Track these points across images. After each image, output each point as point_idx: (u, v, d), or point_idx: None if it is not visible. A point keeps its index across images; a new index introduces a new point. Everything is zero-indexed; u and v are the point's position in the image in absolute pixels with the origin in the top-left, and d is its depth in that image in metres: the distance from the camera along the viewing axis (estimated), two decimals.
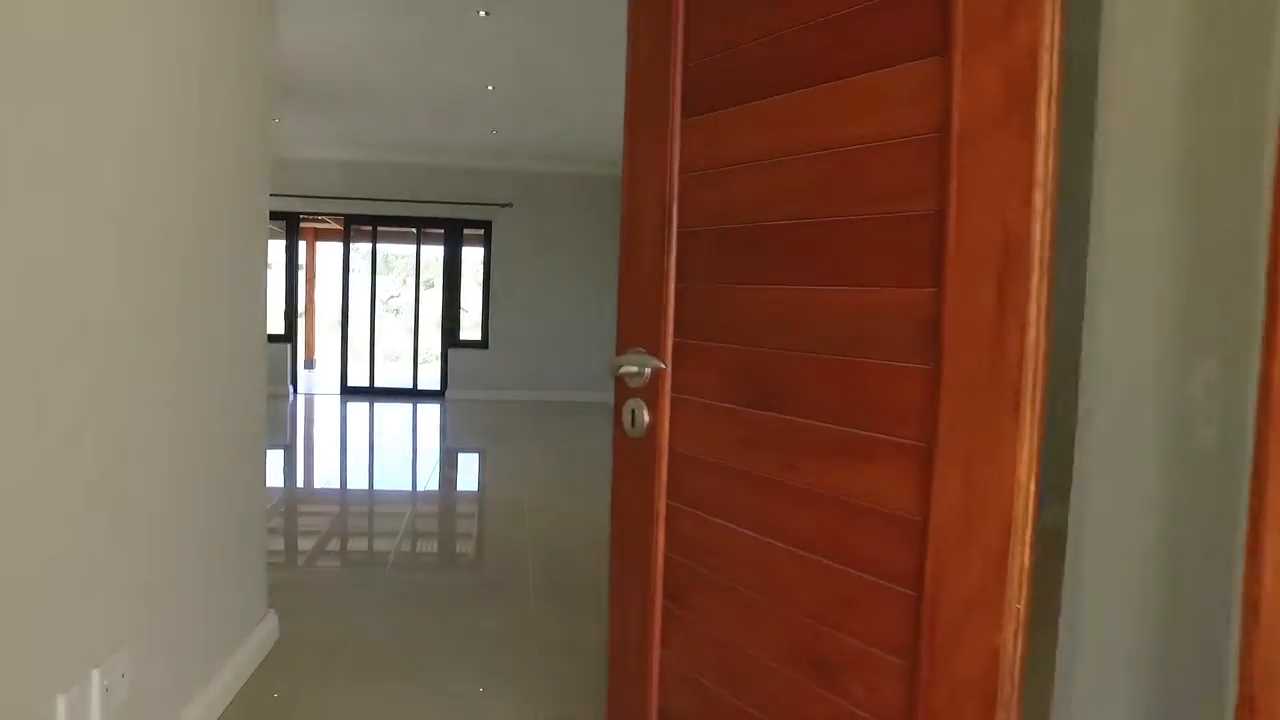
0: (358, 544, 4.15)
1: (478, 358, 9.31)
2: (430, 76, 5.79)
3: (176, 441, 2.01)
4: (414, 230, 9.44)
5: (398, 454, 6.73)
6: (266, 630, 2.71)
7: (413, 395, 9.41)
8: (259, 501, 2.75)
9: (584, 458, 6.37)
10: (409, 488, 5.43)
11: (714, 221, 1.42)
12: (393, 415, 8.56)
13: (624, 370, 1.54)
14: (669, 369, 1.47)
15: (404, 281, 9.07)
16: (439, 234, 9.43)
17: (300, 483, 5.48)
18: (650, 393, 1.51)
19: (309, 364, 12.73)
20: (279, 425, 7.80)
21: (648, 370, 1.50)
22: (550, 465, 6.11)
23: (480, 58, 5.34)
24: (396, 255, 13.37)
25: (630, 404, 1.54)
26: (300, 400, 9.01)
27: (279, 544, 4.00)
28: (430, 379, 9.55)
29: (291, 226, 9.14)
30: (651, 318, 1.51)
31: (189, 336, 2.09)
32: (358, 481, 5.66)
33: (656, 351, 1.49)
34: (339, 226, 9.43)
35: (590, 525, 4.32)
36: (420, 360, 9.51)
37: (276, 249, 9.43)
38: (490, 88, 6.04)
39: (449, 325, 9.41)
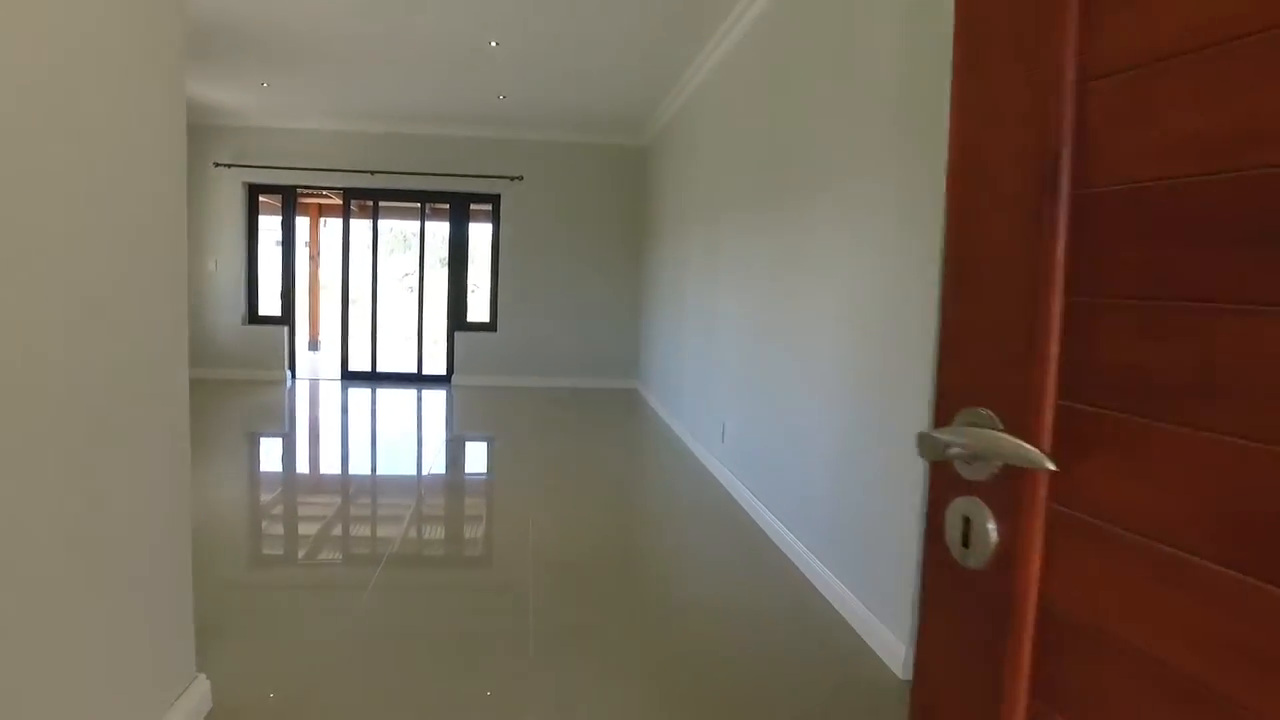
0: (339, 558, 3.61)
1: (486, 341, 8.74)
2: (420, 29, 5.16)
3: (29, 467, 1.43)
4: (418, 205, 8.84)
5: (394, 449, 6.18)
6: (192, 702, 2.15)
7: (417, 380, 8.87)
8: (181, 544, 2.18)
9: (596, 453, 5.80)
10: (405, 494, 4.88)
11: (1174, 169, 0.64)
12: (394, 403, 8.01)
13: (953, 450, 0.82)
14: (1046, 456, 0.73)
15: (435, 253, 8.54)
16: (444, 209, 8.83)
17: (283, 482, 4.96)
18: (1004, 494, 0.78)
19: (313, 345, 12.24)
20: (271, 414, 7.27)
21: (998, 459, 0.78)
22: (561, 462, 5.55)
23: (480, 7, 4.71)
24: (412, 231, 12.81)
25: (961, 506, 0.83)
26: (299, 386, 8.48)
27: (247, 554, 3.46)
28: (436, 363, 9.00)
29: (288, 200, 8.57)
30: (1009, 359, 0.78)
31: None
32: (348, 481, 5.13)
33: (1020, 420, 0.76)
34: (340, 201, 8.86)
35: (602, 540, 3.84)
36: (425, 343, 8.95)
37: (272, 225, 8.87)
38: (494, 43, 5.41)
39: (455, 307, 8.83)
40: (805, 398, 3.55)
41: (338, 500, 4.62)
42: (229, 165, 8.17)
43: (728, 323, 4.98)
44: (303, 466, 5.72)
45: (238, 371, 8.44)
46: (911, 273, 2.63)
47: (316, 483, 5.16)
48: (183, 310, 2.18)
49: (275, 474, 5.35)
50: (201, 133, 8.17)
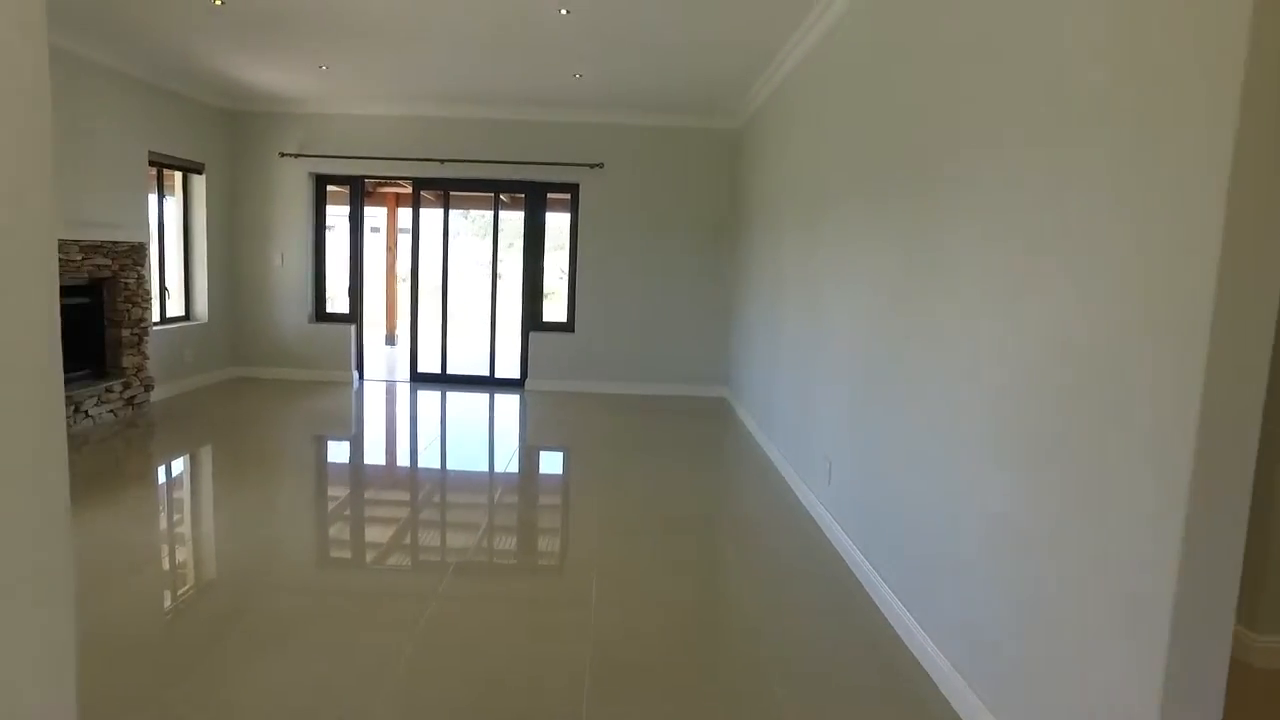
0: (369, 622, 2.97)
1: (562, 343, 8.05)
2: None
3: None
4: (491, 195, 8.21)
5: (459, 463, 5.56)
6: None
7: (489, 384, 8.27)
8: (56, 605, 1.49)
9: (677, 478, 5.01)
10: (465, 522, 4.21)
11: None
12: (462, 410, 7.43)
13: None
14: None
15: (510, 246, 7.91)
16: (520, 199, 8.16)
17: (338, 493, 4.37)
18: None
19: (390, 340, 11.89)
20: (333, 419, 6.78)
21: None
22: (638, 488, 4.79)
23: None
24: (490, 221, 12.29)
25: None
26: (366, 389, 8.01)
27: (305, 561, 2.81)
28: (509, 366, 8.38)
29: (355, 191, 8.07)
30: None
31: None
32: (411, 496, 4.52)
33: None
34: (431, 194, 8.31)
35: (674, 600, 2.94)
36: (498, 344, 8.34)
37: (340, 216, 8.40)
38: (564, 11, 4.63)
39: (530, 306, 8.18)
40: (945, 453, 2.66)
41: (396, 516, 3.99)
42: (295, 155, 7.71)
43: (836, 339, 4.09)
44: (360, 478, 5.16)
45: (304, 372, 8.02)
46: (1148, 308, 1.72)
47: (370, 496, 4.57)
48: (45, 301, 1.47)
49: (333, 483, 4.79)
50: (265, 120, 7.73)
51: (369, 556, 3.85)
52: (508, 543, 4.05)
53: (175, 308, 7.39)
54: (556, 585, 3.50)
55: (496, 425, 6.91)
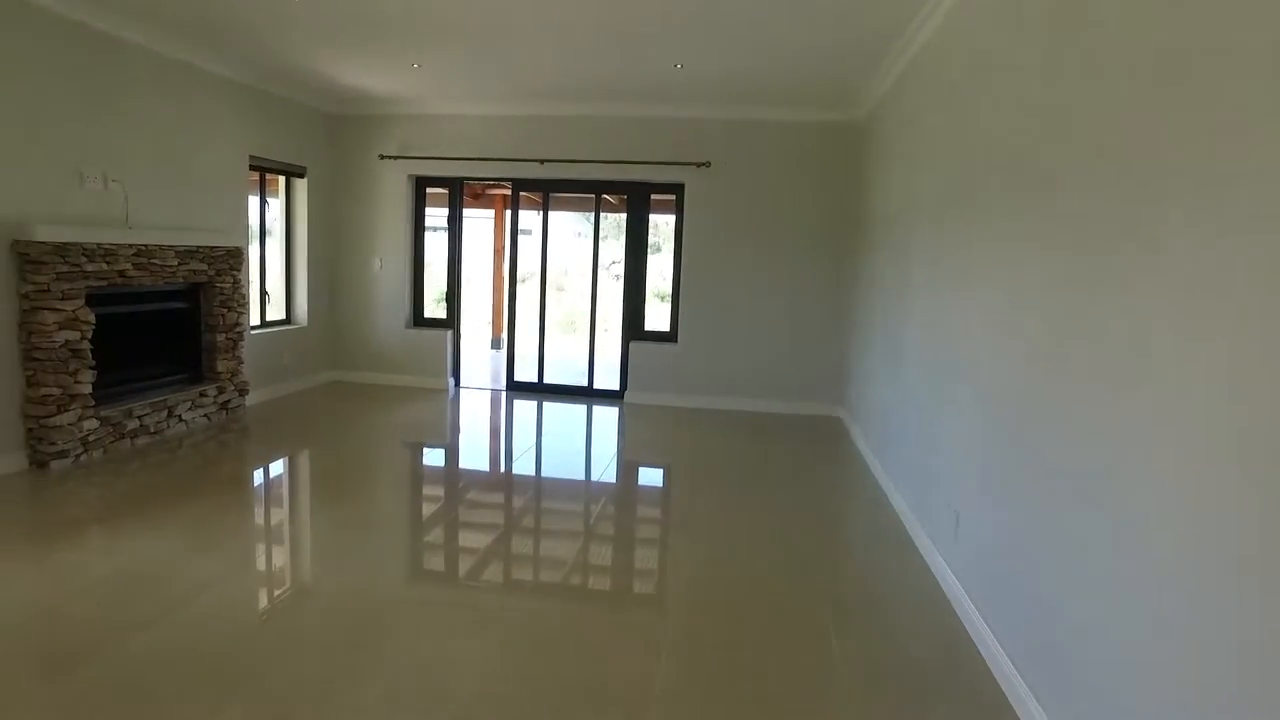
0: (449, 637, 2.57)
1: (664, 354, 7.55)
2: None
3: None
4: (591, 197, 7.80)
5: (543, 484, 5.15)
6: None
7: (586, 395, 7.86)
8: None
9: (780, 513, 4.39)
10: (525, 570, 3.77)
11: None
12: (559, 422, 7.05)
13: None
14: None
15: (611, 251, 7.56)
16: (622, 201, 7.72)
17: (412, 521, 4.03)
18: None
19: (496, 344, 11.73)
20: (423, 427, 6.53)
21: None
22: (735, 520, 4.22)
23: None
24: (616, 221, 11.96)
25: None
26: (462, 397, 7.76)
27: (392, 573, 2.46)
28: (608, 376, 7.94)
29: (454, 193, 7.84)
30: None
31: None
32: (499, 514, 4.13)
33: None
34: (531, 195, 8.02)
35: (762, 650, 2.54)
36: (597, 353, 7.92)
37: (438, 219, 8.20)
38: None
39: (631, 313, 7.71)
40: (1124, 527, 1.96)
41: (473, 545, 3.60)
42: (394, 157, 7.55)
43: (967, 364, 3.38)
44: (447, 492, 4.84)
45: (400, 377, 7.86)
46: None
47: (455, 512, 4.21)
48: None
49: (417, 496, 4.48)
50: (366, 123, 7.61)
51: (449, 574, 3.46)
52: (580, 591, 3.56)
53: (276, 311, 7.36)
54: (626, 664, 2.97)
55: (589, 442, 6.46)
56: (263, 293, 7.06)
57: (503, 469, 5.64)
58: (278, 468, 5.46)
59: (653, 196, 7.57)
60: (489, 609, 3.28)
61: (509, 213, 11.05)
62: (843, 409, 7.13)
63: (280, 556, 3.92)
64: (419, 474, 5.48)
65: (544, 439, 6.54)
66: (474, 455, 6.06)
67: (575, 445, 6.34)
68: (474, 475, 5.50)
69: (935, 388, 3.96)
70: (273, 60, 5.96)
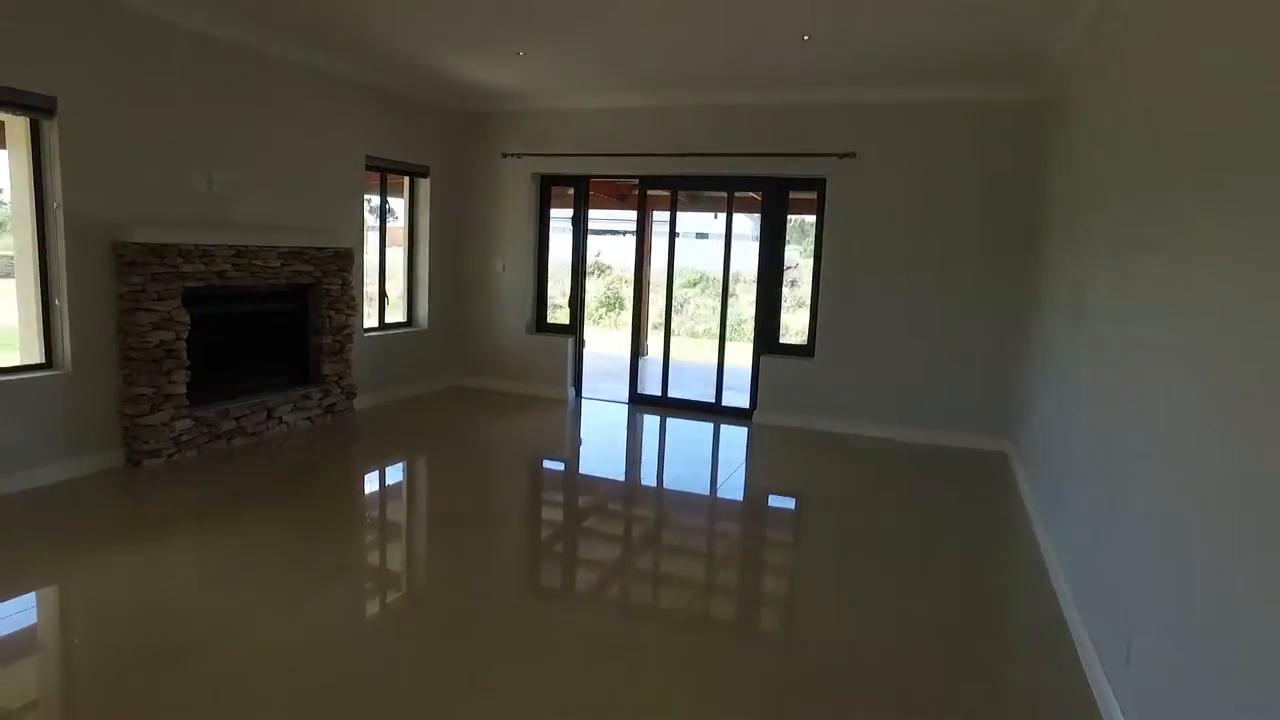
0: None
1: (800, 371, 6.70)
2: None
3: None
4: (723, 195, 7.10)
5: (667, 516, 4.56)
6: None
7: (713, 412, 7.16)
8: None
9: (915, 581, 3.52)
10: (620, 624, 3.19)
11: None
12: (680, 443, 6.43)
13: None
14: None
15: (744, 253, 6.81)
16: (756, 199, 6.95)
17: (511, 545, 3.60)
18: None
19: (640, 351, 11.27)
20: (536, 441, 6.13)
21: None
22: (861, 585, 3.41)
23: None
24: (735, 225, 11.24)
25: None
26: (583, 409, 7.32)
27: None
28: (737, 393, 7.20)
29: (579, 192, 7.41)
30: None
31: None
32: (607, 534, 3.62)
33: None
34: (665, 193, 7.48)
35: None
36: (726, 367, 7.20)
37: (562, 219, 7.81)
38: None
39: (763, 324, 6.93)
40: None
41: (573, 587, 3.11)
42: (518, 155, 7.23)
43: (1165, 427, 2.39)
44: (555, 516, 4.41)
45: (519, 385, 7.54)
46: None
47: (559, 540, 3.74)
48: None
49: (519, 519, 4.06)
50: (486, 120, 7.34)
51: (549, 606, 2.96)
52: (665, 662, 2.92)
53: (397, 314, 7.26)
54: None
55: (713, 471, 5.76)
56: (382, 295, 6.96)
57: (610, 497, 5.09)
58: (375, 475, 5.34)
59: (791, 194, 6.75)
60: (595, 638, 2.72)
61: (650, 213, 10.54)
62: (1009, 443, 5.97)
63: (362, 566, 3.82)
64: (519, 495, 5.04)
65: (663, 467, 5.94)
66: (581, 479, 5.55)
67: (697, 476, 5.65)
68: (579, 502, 4.99)
69: (1112, 447, 2.95)
70: (380, 52, 5.75)
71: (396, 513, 4.71)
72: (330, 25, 5.06)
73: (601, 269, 19.28)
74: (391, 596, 3.50)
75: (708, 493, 5.20)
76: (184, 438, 4.92)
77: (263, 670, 2.71)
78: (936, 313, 6.19)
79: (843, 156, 6.24)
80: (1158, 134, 2.72)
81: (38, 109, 4.23)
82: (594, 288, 19.85)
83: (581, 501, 4.95)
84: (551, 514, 4.77)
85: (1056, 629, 3.25)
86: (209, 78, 5.04)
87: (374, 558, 3.98)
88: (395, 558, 4.04)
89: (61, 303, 4.44)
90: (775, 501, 5.14)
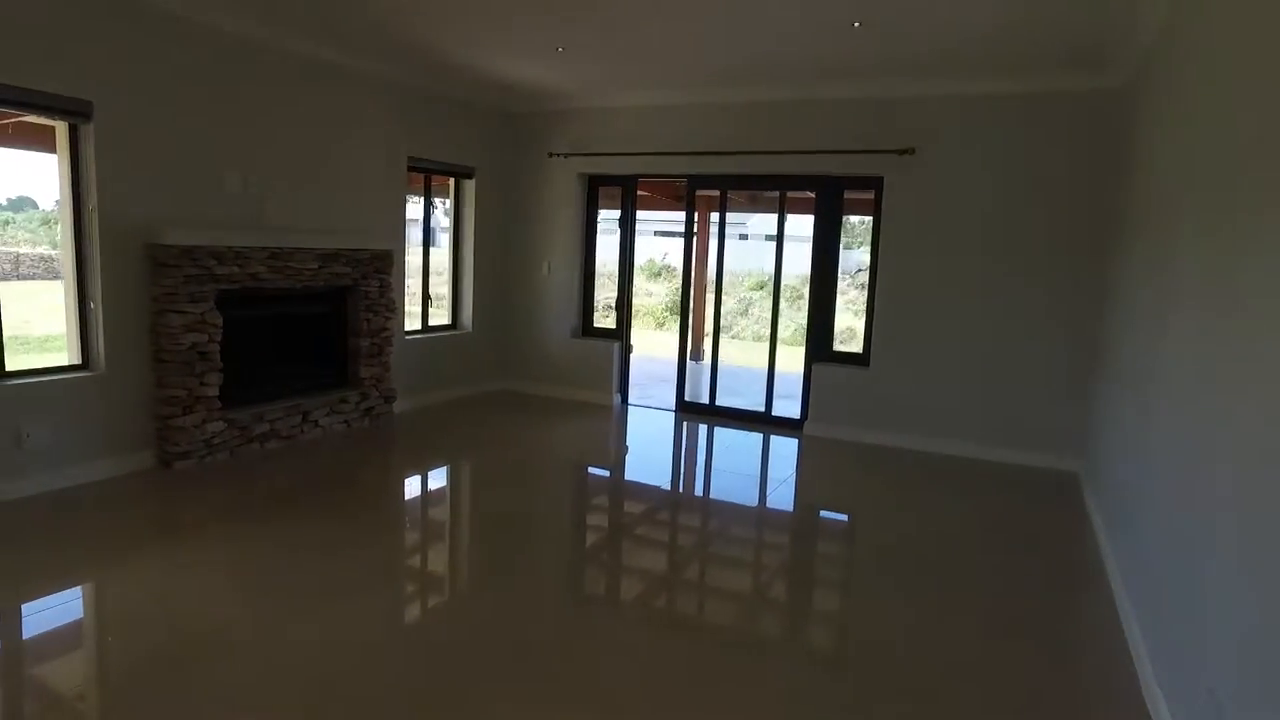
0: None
1: (854, 379, 6.33)
2: None
3: None
4: (775, 195, 6.78)
5: (711, 536, 4.32)
6: None
7: (763, 422, 6.85)
8: None
9: (986, 626, 3.17)
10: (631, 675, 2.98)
11: None
12: (725, 454, 6.16)
13: None
14: None
15: (796, 256, 6.45)
16: (809, 199, 6.61)
17: (545, 560, 3.45)
18: None
19: (696, 355, 11.00)
20: (575, 447, 5.95)
21: None
22: (923, 644, 3.11)
23: None
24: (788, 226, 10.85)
25: None
26: (629, 415, 7.11)
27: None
28: (788, 402, 6.88)
29: (626, 193, 7.19)
30: None
31: None
32: (644, 554, 3.43)
33: None
34: (715, 193, 7.24)
35: None
36: (776, 375, 6.87)
37: (610, 221, 7.62)
38: None
39: (817, 330, 6.58)
40: None
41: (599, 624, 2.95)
42: (564, 155, 7.06)
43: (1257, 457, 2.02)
44: (590, 530, 4.20)
45: (564, 390, 7.38)
46: None
47: (590, 559, 3.57)
48: None
49: (553, 531, 3.91)
50: (532, 120, 7.21)
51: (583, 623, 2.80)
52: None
53: (442, 316, 7.19)
54: None
55: (762, 486, 5.47)
56: (425, 297, 6.90)
57: (648, 512, 4.87)
58: (409, 481, 5.28)
59: (846, 194, 6.38)
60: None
61: (707, 214, 10.25)
62: (1080, 463, 5.48)
63: (390, 575, 3.71)
64: (557, 504, 4.86)
65: (707, 478, 5.70)
66: (625, 488, 5.35)
67: (743, 489, 5.38)
68: (619, 516, 4.79)
69: (1194, 480, 2.57)
70: (418, 50, 5.66)
71: (430, 519, 4.62)
72: (366, 24, 4.99)
73: (669, 272, 19.04)
74: (425, 604, 3.44)
75: (754, 506, 4.93)
76: (215, 440, 4.92)
77: (286, 677, 2.66)
78: (1002, 320, 5.74)
79: (901, 153, 5.85)
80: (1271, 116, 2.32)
81: (75, 113, 4.27)
82: (660, 290, 19.67)
83: (622, 514, 4.74)
84: (592, 523, 4.56)
85: (1127, 681, 2.86)
86: (245, 79, 5.03)
87: (403, 567, 3.86)
88: (427, 565, 3.92)
89: (96, 305, 4.48)
90: (824, 519, 4.84)
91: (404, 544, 4.14)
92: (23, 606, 3.10)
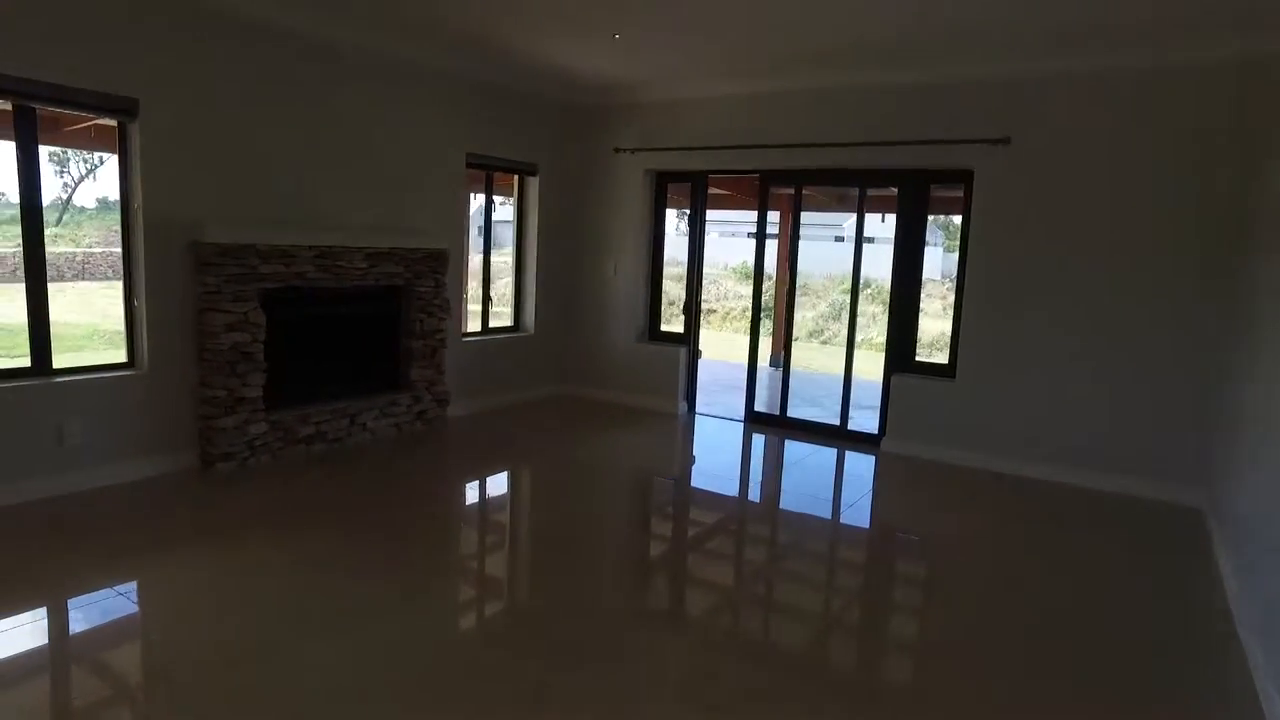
0: None
1: (938, 393, 5.75)
2: None
3: None
4: (855, 191, 6.25)
5: (731, 576, 3.95)
6: None
7: (837, 437, 6.33)
8: None
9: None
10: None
11: None
12: (794, 472, 5.70)
13: None
14: None
15: (876, 257, 5.90)
16: (889, 196, 6.07)
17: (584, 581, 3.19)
18: None
19: (775, 361, 10.49)
20: (633, 457, 5.63)
21: None
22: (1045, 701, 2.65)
23: None
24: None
25: None
26: (692, 425, 6.73)
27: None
28: (865, 415, 6.34)
29: (696, 189, 6.81)
30: None
31: None
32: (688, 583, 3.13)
33: None
34: (790, 190, 6.79)
35: None
36: (852, 385, 6.35)
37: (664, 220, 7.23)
38: None
39: (897, 338, 6.03)
40: None
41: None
42: (631, 151, 6.75)
43: None
44: (631, 556, 3.90)
45: (629, 396, 7.07)
46: None
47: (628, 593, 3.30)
48: None
49: (589, 552, 3.65)
50: (597, 114, 6.92)
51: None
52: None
53: (504, 318, 7.00)
54: None
55: (835, 514, 5.01)
56: (485, 298, 6.73)
57: (707, 535, 4.50)
58: (459, 488, 5.09)
59: (932, 189, 5.81)
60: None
61: (789, 213, 9.75)
62: (1205, 496, 4.76)
63: (432, 589, 3.54)
64: (612, 517, 4.55)
65: (770, 499, 5.26)
66: (684, 503, 5.00)
67: (814, 508, 4.95)
68: (681, 535, 4.44)
69: None
70: (469, 38, 5.46)
71: (478, 529, 4.45)
72: (419, 14, 4.82)
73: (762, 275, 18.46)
74: (477, 615, 3.32)
75: (826, 532, 4.48)
76: (258, 442, 4.85)
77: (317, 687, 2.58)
78: (1113, 331, 5.05)
79: (994, 143, 5.24)
80: None
81: (121, 111, 4.26)
82: (749, 293, 19.14)
83: (684, 535, 4.39)
84: (654, 538, 4.23)
85: None
86: (293, 74, 4.94)
87: (446, 580, 3.63)
88: (473, 578, 3.74)
89: (140, 303, 4.47)
90: (903, 553, 4.33)
91: (442, 558, 3.90)
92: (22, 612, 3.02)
